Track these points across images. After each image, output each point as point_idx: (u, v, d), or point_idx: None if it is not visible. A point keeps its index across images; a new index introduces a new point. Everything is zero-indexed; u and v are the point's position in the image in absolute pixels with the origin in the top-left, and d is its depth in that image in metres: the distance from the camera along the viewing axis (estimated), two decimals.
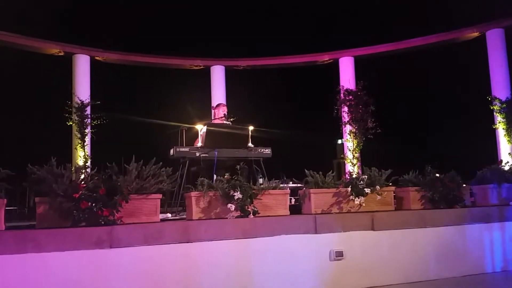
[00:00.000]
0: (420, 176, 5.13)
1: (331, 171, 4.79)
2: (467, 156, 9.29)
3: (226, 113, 6.44)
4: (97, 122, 10.66)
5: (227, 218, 4.14)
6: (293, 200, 5.17)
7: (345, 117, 11.35)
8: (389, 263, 4.45)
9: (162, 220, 4.26)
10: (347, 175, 4.89)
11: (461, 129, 11.06)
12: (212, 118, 6.60)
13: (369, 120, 10.88)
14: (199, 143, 5.64)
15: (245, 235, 4.00)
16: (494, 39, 11.09)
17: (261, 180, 4.97)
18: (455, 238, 4.78)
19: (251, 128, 5.84)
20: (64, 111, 10.52)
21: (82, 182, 3.76)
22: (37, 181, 3.74)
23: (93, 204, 3.62)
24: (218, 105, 6.81)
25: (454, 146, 11.11)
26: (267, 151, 5.92)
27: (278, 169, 6.23)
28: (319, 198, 4.59)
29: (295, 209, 4.78)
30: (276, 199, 4.43)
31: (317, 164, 5.05)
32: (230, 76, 12.75)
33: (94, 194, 3.64)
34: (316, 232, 4.22)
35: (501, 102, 10.58)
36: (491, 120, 10.77)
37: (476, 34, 11.39)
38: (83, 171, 4.06)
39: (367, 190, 4.59)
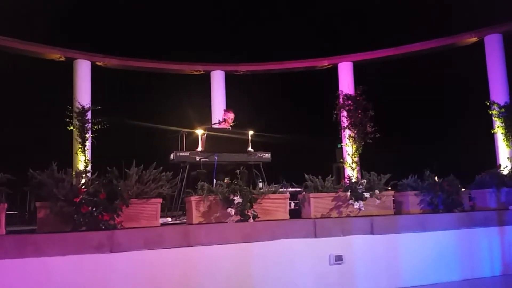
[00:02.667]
0: (419, 180, 5.15)
1: (330, 176, 4.82)
2: (466, 161, 9.31)
3: (228, 120, 6.49)
4: (98, 127, 10.69)
5: (227, 222, 4.15)
6: (292, 204, 5.19)
7: (344, 121, 11.39)
8: (388, 267, 4.46)
9: (162, 224, 4.28)
10: (346, 180, 4.91)
11: (460, 134, 11.08)
12: (215, 122, 6.65)
13: (368, 125, 10.92)
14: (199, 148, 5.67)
15: (245, 239, 4.02)
16: (493, 44, 11.13)
17: (260, 185, 5.00)
18: (454, 242, 4.79)
19: (251, 132, 5.87)
20: (65, 116, 10.55)
21: (83, 187, 3.79)
22: (38, 185, 3.76)
23: (94, 209, 3.64)
24: (227, 110, 6.81)
25: (453, 151, 11.12)
26: (267, 155, 5.95)
27: (278, 174, 6.26)
28: (318, 202, 4.61)
29: (295, 213, 4.80)
30: (275, 203, 4.45)
31: (316, 168, 5.07)
32: (230, 81, 12.79)
33: (95, 199, 3.67)
34: (315, 236, 4.24)
35: (499, 106, 10.60)
36: (489, 124, 10.79)
37: (474, 39, 11.44)
38: (84, 175, 4.09)
39: (367, 195, 4.62)
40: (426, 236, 4.67)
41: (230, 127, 6.54)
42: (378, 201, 4.73)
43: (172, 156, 5.68)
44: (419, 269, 4.57)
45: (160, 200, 4.12)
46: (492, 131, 10.74)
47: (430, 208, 5.02)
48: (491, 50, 11.14)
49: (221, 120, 6.53)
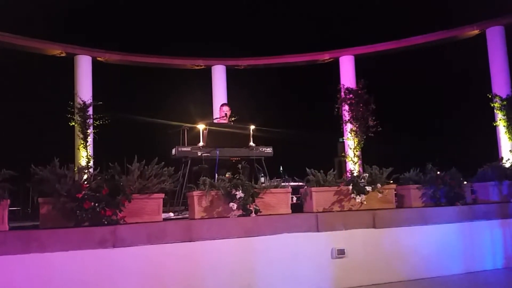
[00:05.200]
0: (421, 173, 5.15)
1: (332, 170, 4.81)
2: (468, 154, 9.30)
3: (227, 113, 6.49)
4: (99, 123, 10.68)
5: (229, 217, 4.16)
6: (294, 198, 5.19)
7: (346, 115, 11.36)
8: (391, 261, 4.47)
9: (165, 219, 4.28)
10: (348, 174, 4.91)
11: (462, 127, 11.05)
12: (215, 117, 6.65)
13: (370, 119, 10.88)
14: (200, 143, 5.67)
15: (247, 233, 4.03)
16: (494, 36, 11.07)
17: (262, 179, 4.99)
18: (456, 235, 4.80)
19: (252, 127, 5.87)
20: (67, 112, 10.55)
21: (85, 182, 3.80)
22: (40, 181, 3.77)
23: (96, 204, 3.65)
24: (221, 105, 6.86)
25: (455, 144, 11.10)
26: (269, 150, 5.94)
27: (280, 168, 6.26)
28: (320, 197, 4.62)
29: (297, 208, 4.80)
30: (277, 197, 4.46)
31: (318, 162, 5.07)
32: (231, 76, 12.76)
33: (97, 194, 3.67)
34: (318, 230, 4.25)
35: (501, 99, 10.56)
36: (491, 117, 10.76)
37: (476, 31, 11.37)
38: (86, 171, 4.09)
39: (368, 188, 4.62)
40: (428, 229, 4.67)
41: (231, 122, 6.54)
42: (380, 195, 4.73)
43: (173, 151, 5.68)
44: (421, 262, 4.58)
45: (162, 195, 4.13)
46: (494, 124, 10.70)
47: (432, 201, 5.02)
48: (493, 42, 11.08)
49: (222, 115, 6.53)
